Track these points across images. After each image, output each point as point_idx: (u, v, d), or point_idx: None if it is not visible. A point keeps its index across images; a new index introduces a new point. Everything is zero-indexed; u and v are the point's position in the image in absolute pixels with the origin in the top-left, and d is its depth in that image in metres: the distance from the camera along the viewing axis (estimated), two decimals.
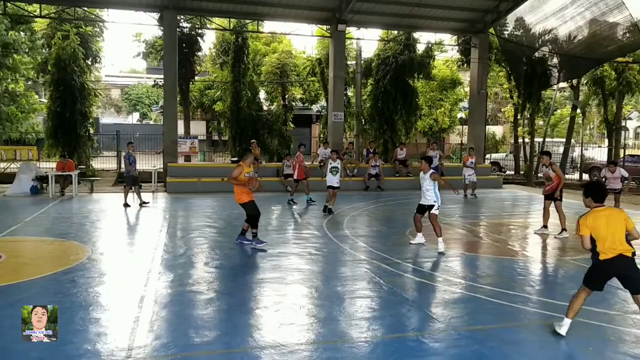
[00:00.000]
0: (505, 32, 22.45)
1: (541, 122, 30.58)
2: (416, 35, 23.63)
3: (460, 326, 5.37)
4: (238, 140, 21.88)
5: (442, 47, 24.94)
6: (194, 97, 31.11)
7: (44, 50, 22.40)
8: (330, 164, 12.81)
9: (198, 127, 34.26)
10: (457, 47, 24.86)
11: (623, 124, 28.02)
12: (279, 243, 9.34)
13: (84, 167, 19.77)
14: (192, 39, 23.06)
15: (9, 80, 22.93)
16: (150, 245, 9.05)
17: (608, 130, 26.05)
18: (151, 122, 48.88)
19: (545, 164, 10.56)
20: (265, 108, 26.39)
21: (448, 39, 24.38)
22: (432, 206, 8.64)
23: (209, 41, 40.39)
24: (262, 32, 26.11)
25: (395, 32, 22.97)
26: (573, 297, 5.07)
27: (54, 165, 17.93)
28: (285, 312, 5.74)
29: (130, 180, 13.86)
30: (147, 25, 25.26)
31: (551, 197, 10.32)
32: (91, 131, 21.46)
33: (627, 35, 18.34)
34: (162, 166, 18.69)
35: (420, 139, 29.38)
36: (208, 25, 22.08)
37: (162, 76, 20.00)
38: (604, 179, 12.05)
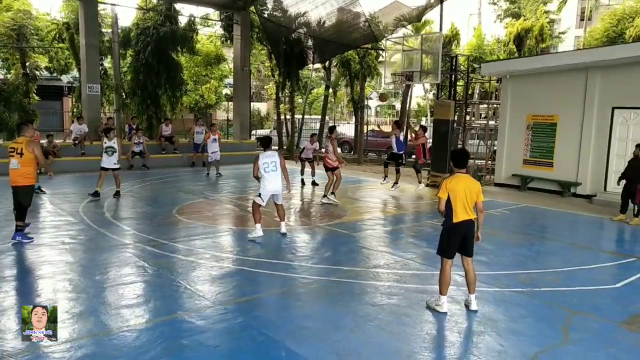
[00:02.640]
0: (266, 12, 23.30)
1: (300, 100, 32.93)
2: (178, 6, 22.80)
3: (227, 300, 5.47)
4: None
5: (206, 22, 24.60)
6: None
7: None
8: (105, 143, 11.40)
9: None
10: (220, 23, 24.84)
11: (366, 103, 32.04)
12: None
13: None
14: None
15: None
16: None
17: (354, 108, 29.43)
18: None
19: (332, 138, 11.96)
20: (0, 77, 22.40)
21: (212, 13, 24.15)
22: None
23: None
24: None
25: (155, 0, 21.75)
26: (440, 274, 5.23)
27: None
28: None
29: None
30: None
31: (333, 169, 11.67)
32: None
33: (367, 25, 20.88)
34: None
35: (186, 115, 28.76)
36: None
37: None
38: (302, 149, 14.04)
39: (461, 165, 5.26)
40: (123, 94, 21.73)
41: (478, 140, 18.58)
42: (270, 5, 22.92)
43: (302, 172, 14.50)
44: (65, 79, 28.73)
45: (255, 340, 4.55)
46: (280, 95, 28.29)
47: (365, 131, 26.21)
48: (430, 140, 15.32)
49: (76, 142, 16.63)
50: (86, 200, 11.07)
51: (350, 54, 25.37)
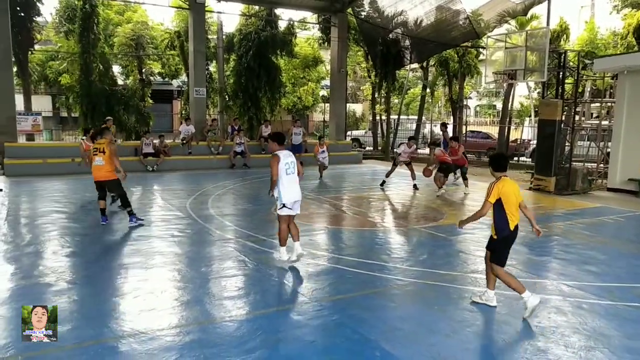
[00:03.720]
0: (363, 13, 23.39)
1: (396, 100, 32.64)
2: (278, 11, 23.62)
3: (322, 297, 5.58)
4: (90, 117, 20.11)
5: (304, 25, 25.20)
6: (35, 69, 27.85)
7: None
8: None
9: (42, 103, 30.83)
10: (318, 26, 25.35)
11: (465, 102, 31.04)
12: (139, 226, 8.83)
13: None
14: (29, 2, 20.50)
15: None
16: None
17: (453, 108, 28.63)
18: None
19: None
20: (120, 82, 24.57)
21: (309, 17, 24.74)
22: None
23: (50, 5, 36.20)
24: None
25: (257, 7, 22.70)
26: (508, 281, 5.07)
27: None
28: (146, 297, 5.47)
29: None
30: None
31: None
32: None
33: (467, 22, 20.21)
34: None
35: (284, 116, 29.68)
36: None
37: None
38: (399, 153, 13.85)
39: (503, 169, 5.14)
40: (226, 96, 22.91)
41: (588, 142, 17.26)
42: (367, 7, 22.99)
43: (388, 174, 13.96)
44: (175, 83, 30.90)
45: (350, 339, 4.59)
46: (376, 96, 28.26)
47: (464, 132, 25.39)
48: (534, 142, 14.47)
49: (184, 141, 17.80)
50: (193, 196, 11.81)
51: (449, 52, 24.73)
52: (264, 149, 19.18)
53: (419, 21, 21.56)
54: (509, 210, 4.96)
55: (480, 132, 29.15)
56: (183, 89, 27.08)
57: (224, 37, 22.92)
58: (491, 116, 42.86)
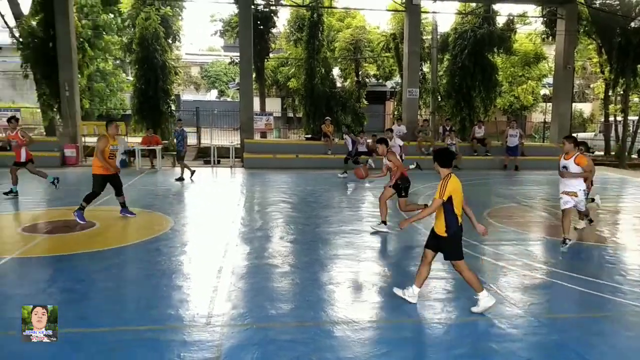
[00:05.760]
0: (597, 1, 20.80)
1: (636, 99, 28.28)
2: (496, 7, 22.44)
3: (540, 313, 5.14)
4: (312, 117, 22.01)
5: (524, 19, 23.50)
6: (269, 74, 31.51)
7: (129, 31, 23.49)
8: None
9: (273, 104, 34.78)
10: (541, 19, 23.37)
11: None
12: (353, 220, 9.36)
13: (166, 142, 20.70)
14: (267, 16, 23.28)
15: (100, 59, 24.36)
16: (228, 218, 9.38)
17: None
18: (229, 99, 50.25)
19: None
20: (338, 85, 26.29)
21: (531, 10, 22.96)
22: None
23: (283, 18, 40.60)
24: (336, 8, 25.87)
25: (474, 4, 21.92)
26: (469, 277, 5.05)
27: (139, 140, 18.91)
28: (358, 289, 5.75)
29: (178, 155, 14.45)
30: (223, 3, 25.73)
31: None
32: (173, 107, 22.39)
33: None
34: (239, 142, 19.21)
35: (499, 117, 28.15)
36: (283, 2, 22.15)
37: (238, 54, 20.40)
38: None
39: (450, 165, 5.06)
40: (439, 96, 22.71)
41: None
42: None
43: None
44: (388, 84, 31.78)
45: None
46: (610, 94, 24.89)
47: None
48: None
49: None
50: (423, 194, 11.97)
51: None
52: (476, 151, 18.56)
53: None
54: (457, 207, 4.95)
55: None
56: (396, 89, 27.72)
57: (438, 37, 22.76)
58: None
